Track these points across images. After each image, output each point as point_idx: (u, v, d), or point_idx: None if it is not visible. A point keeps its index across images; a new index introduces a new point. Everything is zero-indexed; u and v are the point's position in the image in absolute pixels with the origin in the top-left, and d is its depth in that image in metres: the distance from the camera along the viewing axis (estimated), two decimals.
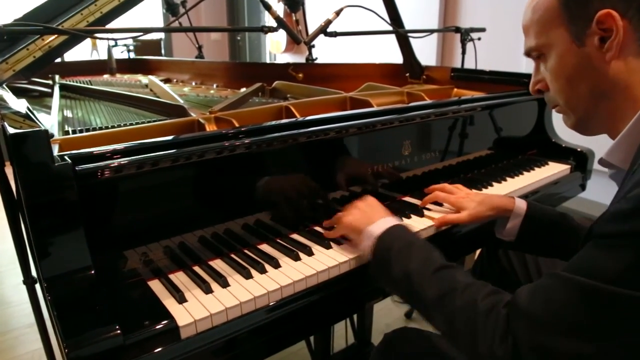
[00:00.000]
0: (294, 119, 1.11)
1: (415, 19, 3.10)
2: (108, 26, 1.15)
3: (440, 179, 1.23)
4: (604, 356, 0.54)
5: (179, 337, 0.69)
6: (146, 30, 1.15)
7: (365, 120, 1.07)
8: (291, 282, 0.80)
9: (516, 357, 0.59)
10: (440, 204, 1.12)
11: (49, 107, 1.47)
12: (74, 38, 1.10)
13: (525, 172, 1.40)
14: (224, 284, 0.78)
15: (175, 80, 2.37)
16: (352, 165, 1.08)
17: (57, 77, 1.89)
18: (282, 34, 4.96)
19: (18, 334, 1.97)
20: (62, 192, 0.69)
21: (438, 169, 1.27)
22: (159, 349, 0.67)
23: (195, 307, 0.72)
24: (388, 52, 2.07)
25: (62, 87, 1.76)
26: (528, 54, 0.77)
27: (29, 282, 1.05)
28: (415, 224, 1.03)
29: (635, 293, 0.52)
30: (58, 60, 1.45)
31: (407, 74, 1.80)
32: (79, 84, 1.87)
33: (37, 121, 0.81)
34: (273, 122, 1.00)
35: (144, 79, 2.15)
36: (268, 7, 1.24)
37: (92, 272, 0.70)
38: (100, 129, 1.16)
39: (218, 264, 0.86)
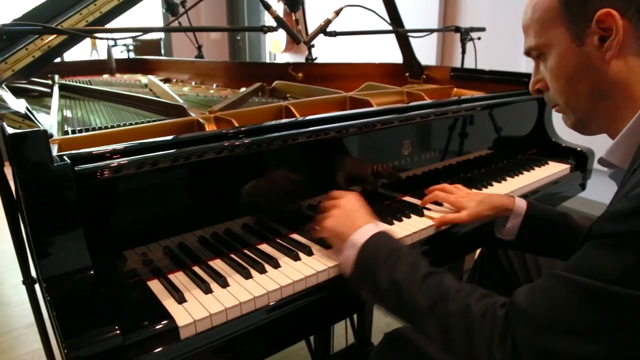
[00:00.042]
0: (293, 119, 1.11)
1: (415, 18, 3.09)
2: (107, 26, 1.15)
3: (440, 179, 1.23)
4: (605, 356, 0.54)
5: (179, 337, 0.68)
6: (146, 30, 1.15)
7: (365, 120, 1.07)
8: (291, 282, 0.80)
9: (516, 358, 0.58)
10: (440, 204, 1.12)
11: (49, 107, 1.47)
12: (73, 38, 1.10)
13: (525, 172, 1.40)
14: (224, 284, 0.78)
15: (175, 80, 2.37)
16: (352, 165, 1.08)
17: (56, 77, 1.89)
18: (281, 34, 4.96)
19: (18, 334, 1.97)
20: (61, 192, 0.69)
21: (438, 169, 1.27)
22: (159, 349, 0.67)
23: (194, 307, 0.72)
24: (388, 51, 2.07)
25: (62, 87, 1.76)
26: (528, 53, 0.77)
27: (28, 282, 1.05)
28: (415, 223, 1.03)
29: (636, 292, 0.51)
30: (57, 60, 1.45)
31: (407, 74, 1.80)
32: (78, 84, 1.87)
33: (36, 121, 0.81)
34: (273, 122, 1.00)
35: (143, 79, 2.15)
36: (268, 7, 1.23)
37: (92, 272, 0.70)
38: (100, 129, 1.16)
39: (218, 264, 0.86)
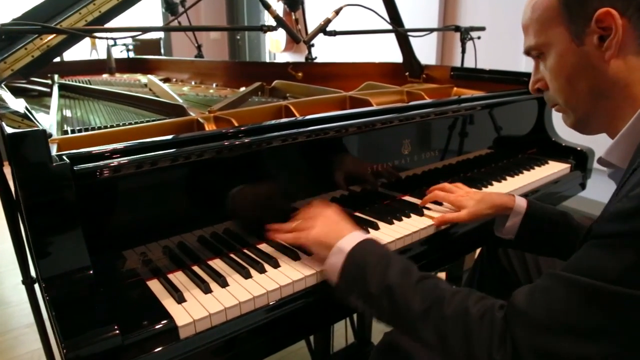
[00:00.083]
0: (293, 118, 1.11)
1: (414, 18, 3.09)
2: (107, 25, 1.15)
3: (440, 178, 1.23)
4: (606, 357, 0.54)
5: (178, 337, 0.68)
6: (145, 30, 1.15)
7: (364, 119, 1.07)
8: (290, 282, 0.80)
9: None
10: (440, 204, 1.11)
11: (48, 107, 1.46)
12: (73, 37, 1.10)
13: (525, 171, 1.40)
14: (223, 283, 0.78)
15: (174, 79, 2.37)
16: (352, 164, 1.08)
17: (56, 76, 1.89)
18: (281, 33, 4.96)
19: (17, 334, 1.97)
20: (60, 191, 0.69)
21: (438, 168, 1.27)
22: (158, 349, 0.67)
23: (194, 307, 0.72)
24: (388, 51, 2.07)
25: (61, 87, 1.76)
26: (528, 52, 0.76)
27: (27, 282, 1.05)
28: (415, 223, 1.03)
29: (636, 292, 0.51)
30: (57, 59, 1.45)
31: (407, 73, 1.80)
32: (78, 84, 1.86)
33: (35, 121, 0.81)
34: (272, 122, 1.00)
35: (143, 79, 2.15)
36: (267, 6, 1.23)
37: (91, 272, 0.70)
38: (99, 128, 1.16)
39: (217, 264, 0.86)
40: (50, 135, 0.93)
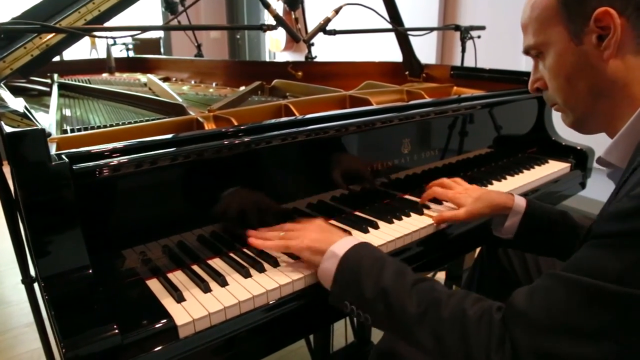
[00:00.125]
0: (293, 117, 1.11)
1: (414, 17, 3.09)
2: (106, 24, 1.15)
3: (440, 178, 1.23)
4: (607, 358, 0.53)
5: (178, 336, 0.68)
6: (145, 29, 1.15)
7: (364, 118, 1.06)
8: (290, 281, 0.80)
9: None
10: (441, 202, 1.11)
11: (48, 106, 1.46)
12: (72, 37, 1.10)
13: (525, 171, 1.40)
14: (223, 283, 0.78)
15: (174, 78, 2.37)
16: (352, 163, 1.08)
17: (55, 75, 1.89)
18: (281, 32, 4.95)
19: (17, 333, 1.97)
20: (59, 191, 0.68)
21: (438, 167, 1.27)
22: (158, 349, 0.66)
23: (193, 306, 0.72)
24: (388, 50, 2.07)
25: (61, 86, 1.75)
26: (527, 52, 0.76)
27: (27, 281, 1.05)
28: (415, 222, 1.03)
29: (637, 292, 0.51)
30: (57, 58, 1.45)
31: (407, 72, 1.80)
32: (77, 83, 1.86)
33: (34, 120, 0.81)
34: (272, 121, 0.99)
35: (143, 78, 2.15)
36: (267, 6, 1.23)
37: (90, 271, 0.70)
38: (99, 127, 1.16)
39: (217, 263, 0.85)
40: (50, 134, 0.92)
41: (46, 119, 1.21)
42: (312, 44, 1.90)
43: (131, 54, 3.18)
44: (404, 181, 1.18)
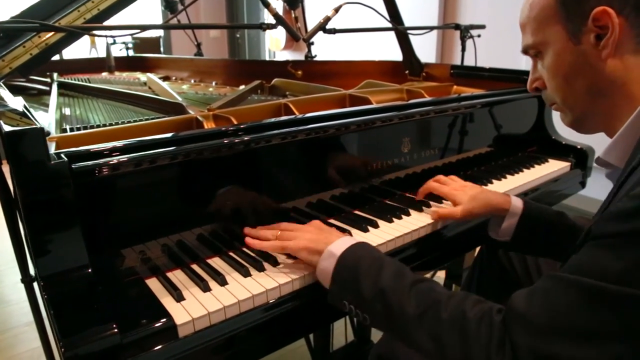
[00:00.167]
0: (292, 116, 1.10)
1: (414, 16, 3.09)
2: (105, 23, 1.15)
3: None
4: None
5: (177, 335, 0.68)
6: (144, 28, 1.14)
7: (364, 117, 1.06)
8: (289, 280, 0.80)
9: None
10: (441, 201, 1.11)
11: (47, 105, 1.46)
12: (71, 35, 1.10)
13: (525, 170, 1.40)
14: (222, 282, 0.78)
15: (174, 77, 2.37)
16: (352, 162, 1.07)
17: (55, 75, 1.89)
18: (281, 31, 4.95)
19: (17, 333, 1.97)
20: (58, 190, 0.68)
21: (438, 166, 1.27)
22: (157, 348, 0.66)
23: (193, 306, 0.72)
24: (387, 49, 2.07)
25: (61, 85, 1.75)
26: (525, 51, 0.76)
27: (26, 280, 1.04)
28: (415, 221, 1.03)
29: (638, 292, 0.50)
30: (56, 58, 1.44)
31: (407, 71, 1.79)
32: (77, 82, 1.86)
33: (33, 119, 0.80)
34: (272, 120, 0.99)
35: (142, 77, 2.15)
36: (267, 4, 1.23)
37: (89, 270, 0.70)
38: (98, 126, 1.16)
39: (216, 262, 0.85)
40: (49, 133, 0.92)
41: (45, 118, 1.21)
42: (312, 43, 1.90)
43: (131, 53, 3.18)
44: (404, 180, 1.18)
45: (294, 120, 1.00)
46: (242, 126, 0.92)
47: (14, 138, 0.65)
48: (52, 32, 1.06)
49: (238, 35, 6.58)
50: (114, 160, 0.75)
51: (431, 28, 1.75)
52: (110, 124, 1.17)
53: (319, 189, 1.02)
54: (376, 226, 1.00)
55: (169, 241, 0.83)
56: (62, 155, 0.71)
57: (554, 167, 1.44)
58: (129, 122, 1.17)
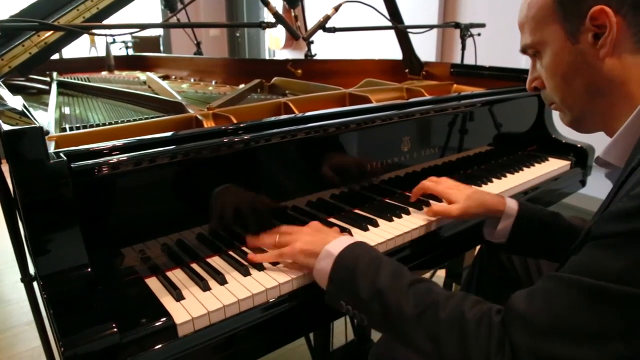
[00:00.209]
0: (292, 115, 1.10)
1: (414, 14, 3.09)
2: (105, 22, 1.15)
3: (439, 175, 1.22)
4: None
5: (176, 334, 0.68)
6: (143, 26, 1.14)
7: (364, 116, 1.06)
8: (289, 279, 0.80)
9: None
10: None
11: (47, 105, 1.46)
12: (70, 34, 1.09)
13: (525, 168, 1.39)
14: (222, 281, 0.78)
15: (173, 77, 2.36)
16: (352, 161, 1.07)
17: (54, 74, 1.88)
18: (281, 30, 4.95)
19: (17, 332, 1.97)
20: (58, 189, 0.68)
21: (438, 165, 1.27)
22: (157, 347, 0.66)
23: (192, 305, 0.72)
24: (387, 48, 2.07)
25: (60, 84, 1.75)
26: (524, 51, 0.76)
27: (26, 279, 1.04)
28: (415, 220, 1.03)
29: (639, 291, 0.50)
30: (56, 57, 1.44)
31: (407, 70, 1.79)
32: (76, 81, 1.86)
33: (32, 118, 0.80)
34: (271, 118, 0.99)
35: (142, 76, 2.14)
36: (266, 3, 1.23)
37: (89, 270, 0.70)
38: (98, 125, 1.16)
39: (216, 261, 0.85)
40: (48, 132, 0.92)
41: (45, 117, 1.21)
42: (312, 42, 1.90)
43: (130, 52, 3.18)
44: (404, 179, 1.18)
45: (293, 119, 1.00)
46: (241, 125, 0.92)
47: (13, 137, 0.65)
48: (52, 31, 1.06)
49: (238, 34, 6.57)
50: (114, 159, 0.75)
51: (431, 27, 1.75)
52: (110, 123, 1.17)
53: (319, 188, 1.02)
54: (376, 225, 0.99)
55: (168, 240, 0.83)
56: (62, 155, 0.71)
57: (554, 165, 1.44)
58: (128, 121, 1.17)
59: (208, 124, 1.04)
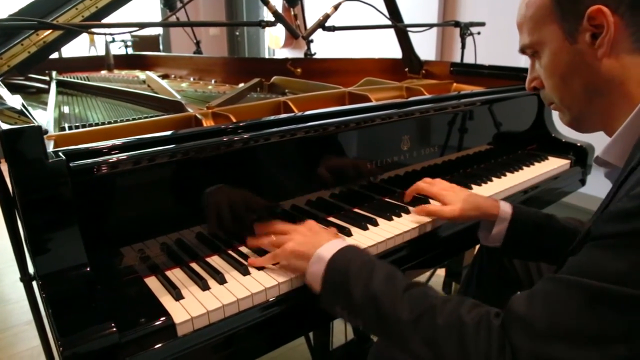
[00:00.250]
0: (292, 114, 1.10)
1: (414, 13, 3.08)
2: (104, 21, 1.14)
3: (439, 174, 1.22)
4: None
5: (176, 334, 0.68)
6: (143, 25, 1.14)
7: (364, 115, 1.06)
8: (289, 279, 0.80)
9: None
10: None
11: (46, 104, 1.46)
12: (69, 33, 1.09)
13: (525, 167, 1.39)
14: (221, 280, 0.78)
15: (173, 76, 2.36)
16: (351, 160, 1.07)
17: (54, 73, 1.88)
18: (280, 29, 4.95)
19: (17, 331, 1.97)
20: (56, 188, 0.68)
21: (437, 164, 1.26)
22: (156, 347, 0.66)
23: (192, 304, 0.72)
24: (387, 47, 2.06)
25: (59, 84, 1.75)
26: (522, 51, 0.76)
27: (25, 279, 1.04)
28: (414, 219, 1.03)
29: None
30: (55, 56, 1.44)
31: (406, 69, 1.79)
32: (76, 80, 1.86)
33: (31, 117, 0.80)
34: (271, 117, 0.99)
35: (141, 75, 2.14)
36: (266, 2, 1.23)
37: (88, 269, 0.70)
38: (97, 125, 1.15)
39: (215, 261, 0.85)
40: (47, 131, 0.92)
41: (44, 117, 1.21)
42: (311, 41, 1.90)
43: (130, 51, 3.18)
44: (404, 178, 1.18)
45: (293, 118, 0.99)
46: (241, 124, 0.91)
47: (11, 136, 0.64)
48: (51, 30, 1.06)
49: (237, 33, 6.57)
50: (113, 158, 0.75)
51: (431, 25, 1.75)
52: (109, 122, 1.17)
53: (319, 187, 1.02)
54: (376, 224, 0.99)
55: (167, 240, 0.83)
56: (60, 154, 0.71)
57: (553, 164, 1.44)
58: (127, 120, 1.16)
59: (207, 123, 1.04)
